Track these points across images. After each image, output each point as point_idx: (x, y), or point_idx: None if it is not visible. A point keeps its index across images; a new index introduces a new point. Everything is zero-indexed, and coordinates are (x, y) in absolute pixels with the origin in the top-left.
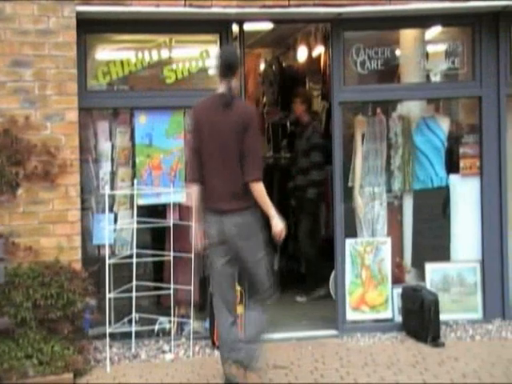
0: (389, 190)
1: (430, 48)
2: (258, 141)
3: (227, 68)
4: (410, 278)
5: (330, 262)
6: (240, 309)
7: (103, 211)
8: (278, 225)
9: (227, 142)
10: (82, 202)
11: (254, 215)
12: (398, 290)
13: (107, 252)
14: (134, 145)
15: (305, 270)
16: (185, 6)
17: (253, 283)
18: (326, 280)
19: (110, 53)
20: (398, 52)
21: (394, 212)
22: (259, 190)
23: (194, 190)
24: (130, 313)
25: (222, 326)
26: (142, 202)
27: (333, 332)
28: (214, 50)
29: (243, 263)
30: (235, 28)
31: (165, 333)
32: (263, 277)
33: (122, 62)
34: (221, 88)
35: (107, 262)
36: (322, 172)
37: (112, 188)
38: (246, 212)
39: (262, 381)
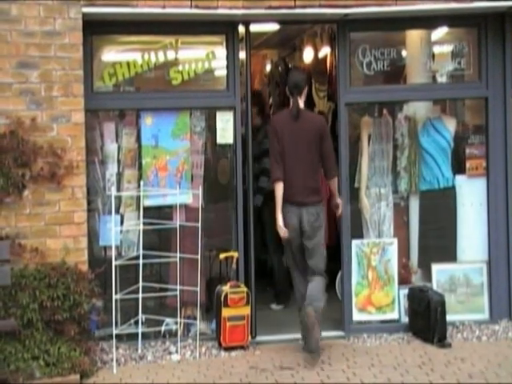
0: (395, 191)
1: (436, 49)
2: (331, 144)
3: (294, 88)
4: (417, 279)
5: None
6: (247, 310)
7: (110, 212)
8: (339, 201)
9: (305, 146)
10: (89, 203)
11: (322, 208)
12: (405, 291)
13: (114, 253)
14: (140, 146)
15: (276, 276)
16: (191, 7)
17: (312, 262)
18: None
19: (116, 54)
20: (404, 53)
21: (401, 213)
22: (336, 183)
23: (280, 186)
24: (137, 314)
25: (302, 286)
26: (148, 203)
27: (339, 333)
28: (220, 51)
29: (311, 244)
30: (241, 29)
31: (171, 334)
32: (321, 257)
33: (128, 64)
34: (291, 104)
35: (114, 263)
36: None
37: (118, 189)
38: (319, 204)
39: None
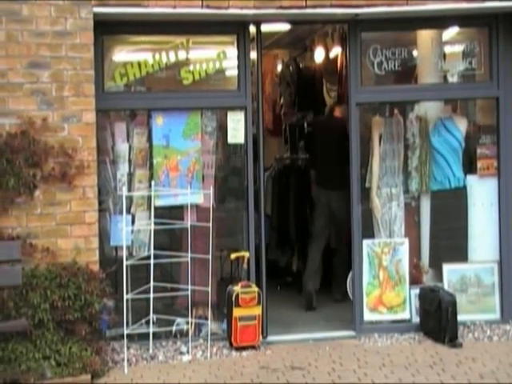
0: (406, 191)
1: (447, 49)
2: None
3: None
4: (428, 279)
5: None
6: (258, 309)
7: (121, 212)
8: None
9: (334, 142)
10: (100, 203)
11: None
12: (416, 291)
13: (125, 253)
14: (151, 146)
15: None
16: (202, 7)
17: (339, 232)
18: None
19: (127, 54)
20: (415, 53)
21: (412, 213)
22: None
23: (312, 173)
24: (148, 314)
25: (315, 259)
26: (159, 203)
27: (350, 333)
28: (231, 51)
29: (336, 218)
30: (252, 29)
31: (182, 334)
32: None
33: (139, 64)
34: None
35: (125, 263)
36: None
37: (129, 189)
38: (344, 188)
39: None
